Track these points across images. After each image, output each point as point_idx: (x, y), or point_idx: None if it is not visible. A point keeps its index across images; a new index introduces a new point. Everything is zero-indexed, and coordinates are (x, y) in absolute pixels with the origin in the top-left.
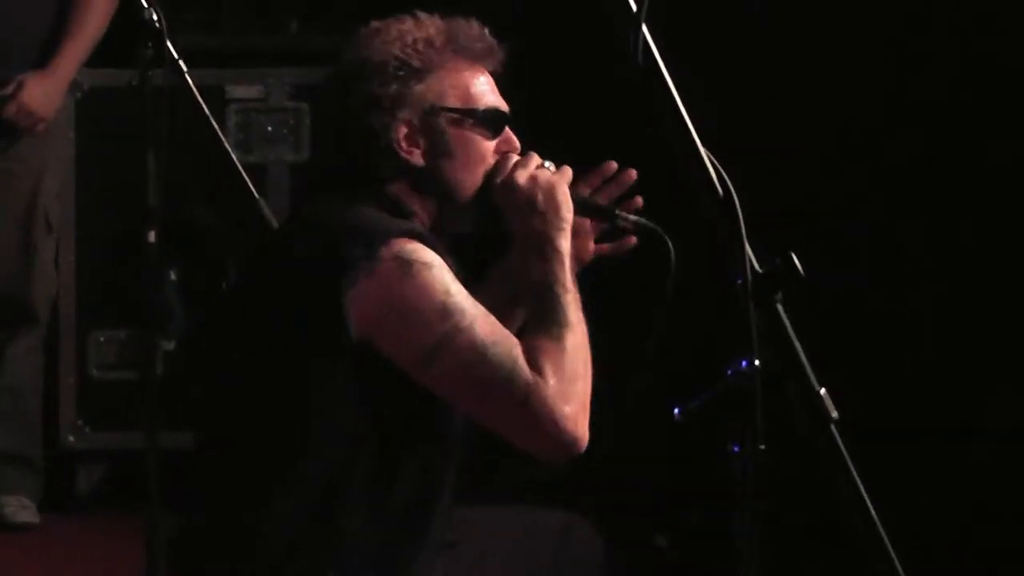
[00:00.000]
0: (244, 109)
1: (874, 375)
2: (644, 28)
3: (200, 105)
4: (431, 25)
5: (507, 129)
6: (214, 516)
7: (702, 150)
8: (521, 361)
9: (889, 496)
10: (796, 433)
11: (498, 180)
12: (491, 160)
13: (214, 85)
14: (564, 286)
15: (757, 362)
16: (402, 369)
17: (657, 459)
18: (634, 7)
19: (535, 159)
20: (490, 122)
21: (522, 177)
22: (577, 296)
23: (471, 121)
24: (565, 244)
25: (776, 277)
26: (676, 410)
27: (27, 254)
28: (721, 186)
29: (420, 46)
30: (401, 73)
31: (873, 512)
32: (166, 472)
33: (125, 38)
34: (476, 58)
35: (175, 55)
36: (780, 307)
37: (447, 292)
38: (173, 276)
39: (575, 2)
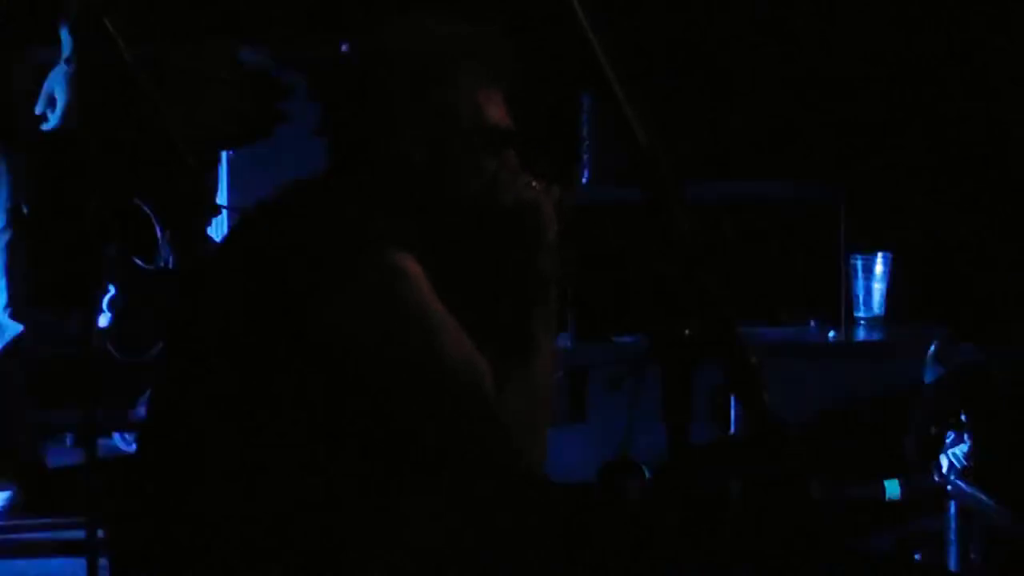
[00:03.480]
0: None
1: None
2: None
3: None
4: (458, 30)
5: (509, 149)
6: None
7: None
8: (484, 382)
9: None
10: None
11: (486, 198)
12: (486, 177)
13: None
14: (533, 313)
15: None
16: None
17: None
18: None
19: (523, 178)
20: (494, 139)
21: (506, 197)
22: (550, 321)
23: (475, 136)
24: (542, 265)
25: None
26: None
27: None
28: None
29: (442, 48)
30: (415, 76)
31: None
32: None
33: None
34: (495, 74)
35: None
36: None
37: (424, 305)
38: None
39: None
